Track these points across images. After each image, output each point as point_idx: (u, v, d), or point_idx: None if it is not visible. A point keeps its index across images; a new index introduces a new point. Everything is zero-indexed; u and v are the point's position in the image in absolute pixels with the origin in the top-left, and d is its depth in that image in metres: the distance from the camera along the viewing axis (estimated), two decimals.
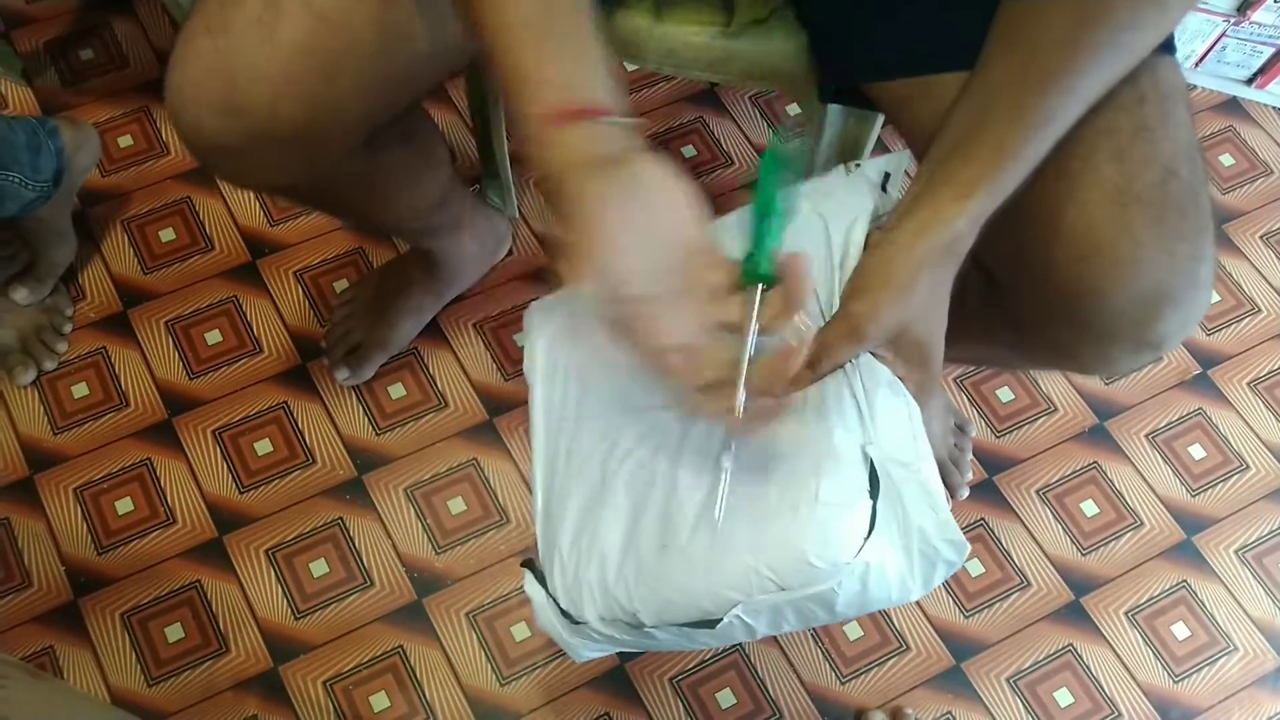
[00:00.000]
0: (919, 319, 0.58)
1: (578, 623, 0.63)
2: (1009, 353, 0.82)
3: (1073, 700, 1.07)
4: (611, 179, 0.52)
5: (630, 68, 1.12)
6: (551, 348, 0.68)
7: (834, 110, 0.88)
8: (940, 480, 0.59)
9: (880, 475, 0.57)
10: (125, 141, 1.30)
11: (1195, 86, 1.38)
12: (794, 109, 1.36)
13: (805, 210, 0.62)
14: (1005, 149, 0.57)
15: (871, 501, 0.57)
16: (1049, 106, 0.57)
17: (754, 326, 0.54)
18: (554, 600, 0.63)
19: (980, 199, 0.57)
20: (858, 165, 0.69)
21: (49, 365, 1.17)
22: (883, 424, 0.59)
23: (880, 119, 0.92)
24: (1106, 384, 1.21)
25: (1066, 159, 0.63)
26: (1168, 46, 0.66)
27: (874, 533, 0.56)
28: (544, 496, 0.66)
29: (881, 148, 1.13)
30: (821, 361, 0.59)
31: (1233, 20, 1.27)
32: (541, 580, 0.65)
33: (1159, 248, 0.63)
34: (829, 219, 0.65)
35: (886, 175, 0.69)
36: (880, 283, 0.58)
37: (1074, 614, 1.10)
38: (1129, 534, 1.14)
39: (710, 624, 0.59)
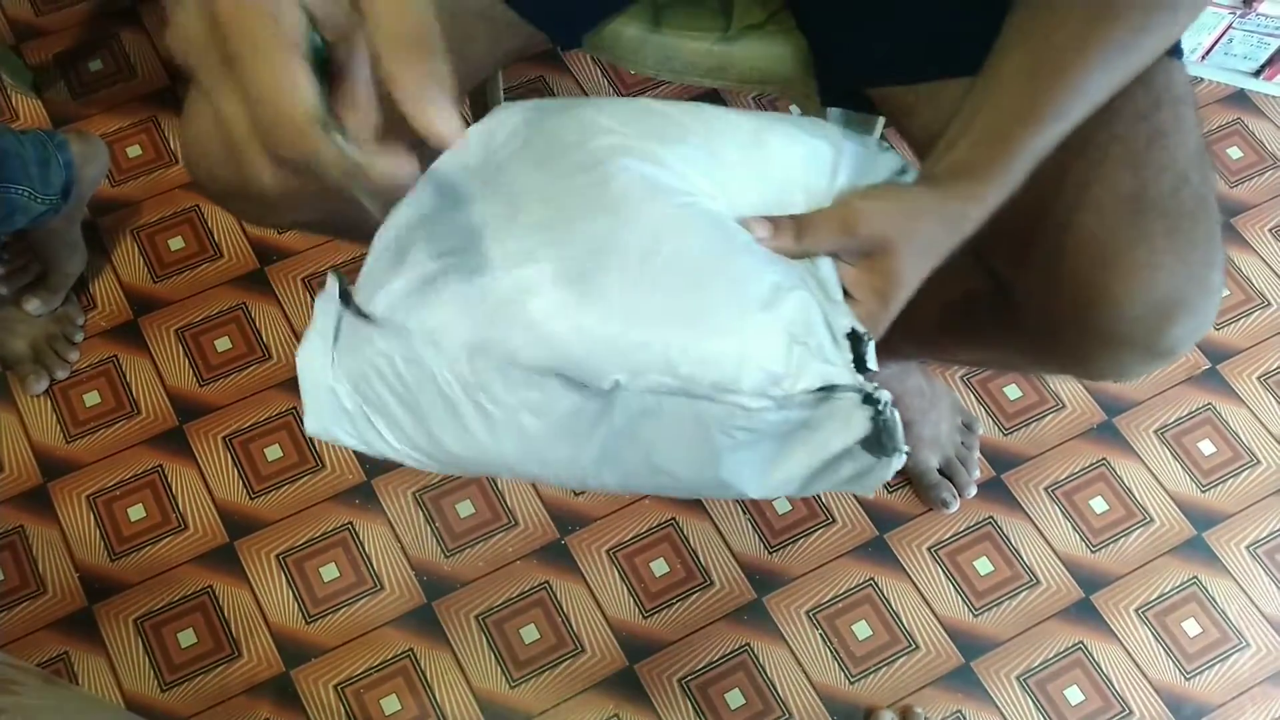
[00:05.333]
0: (902, 249, 0.56)
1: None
2: (1019, 358, 0.81)
3: (1083, 698, 1.06)
4: None
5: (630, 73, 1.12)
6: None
7: (835, 112, 0.88)
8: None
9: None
10: (134, 151, 1.31)
11: (1202, 79, 1.37)
12: (795, 109, 1.36)
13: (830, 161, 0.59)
14: (1014, 143, 0.57)
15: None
16: (1060, 103, 0.57)
17: None
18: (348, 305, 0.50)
19: (992, 191, 0.57)
20: (889, 145, 0.66)
21: (61, 374, 1.18)
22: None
23: (881, 121, 0.92)
24: (1115, 381, 1.21)
25: (1082, 164, 0.63)
26: (1175, 50, 0.66)
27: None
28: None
29: None
30: (804, 233, 0.57)
31: (1239, 12, 1.26)
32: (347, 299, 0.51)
33: (1173, 254, 0.63)
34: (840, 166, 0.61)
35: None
36: (893, 196, 0.57)
37: (1084, 611, 1.10)
38: (1138, 530, 1.14)
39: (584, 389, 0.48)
